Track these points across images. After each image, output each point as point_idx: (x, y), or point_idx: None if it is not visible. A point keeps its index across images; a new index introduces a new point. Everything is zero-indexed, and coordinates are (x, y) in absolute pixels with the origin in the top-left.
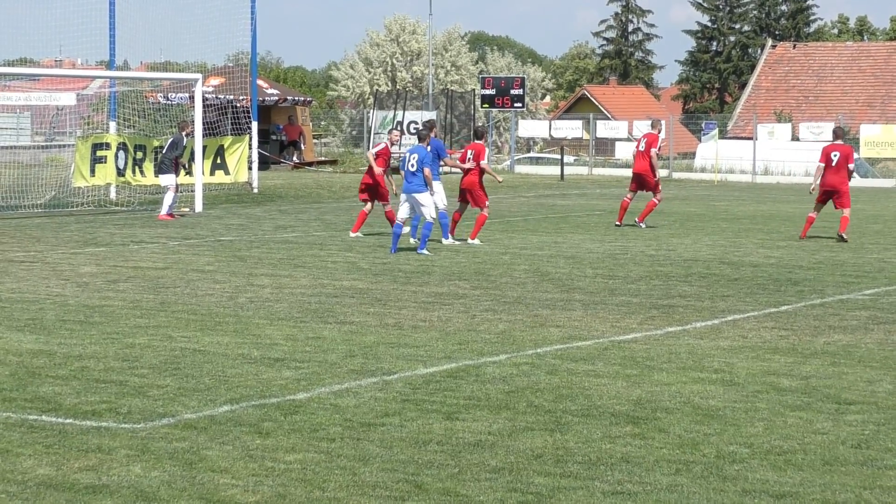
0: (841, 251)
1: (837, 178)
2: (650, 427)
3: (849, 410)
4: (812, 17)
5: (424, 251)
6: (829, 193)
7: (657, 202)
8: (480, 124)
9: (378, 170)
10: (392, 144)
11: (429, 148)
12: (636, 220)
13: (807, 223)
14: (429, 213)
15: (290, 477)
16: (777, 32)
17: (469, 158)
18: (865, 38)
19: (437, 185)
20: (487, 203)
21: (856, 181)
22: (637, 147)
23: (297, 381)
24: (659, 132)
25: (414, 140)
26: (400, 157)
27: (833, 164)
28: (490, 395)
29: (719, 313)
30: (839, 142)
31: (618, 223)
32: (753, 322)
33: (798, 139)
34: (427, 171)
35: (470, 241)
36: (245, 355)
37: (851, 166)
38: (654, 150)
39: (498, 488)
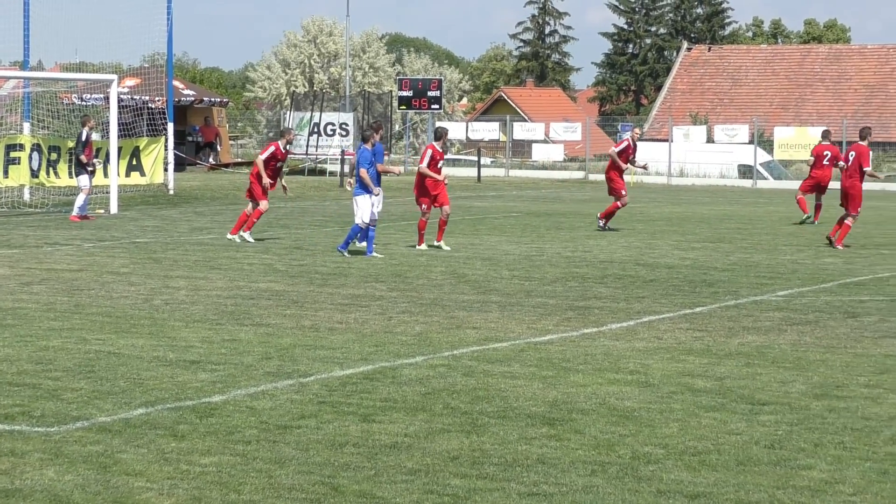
0: (755, 252)
1: (849, 181)
2: (566, 428)
3: (762, 411)
4: (727, 20)
5: (345, 252)
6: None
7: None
8: (438, 126)
9: (265, 177)
10: (289, 144)
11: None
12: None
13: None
14: (358, 216)
15: (206, 480)
16: (692, 35)
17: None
18: (780, 40)
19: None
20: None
21: (769, 183)
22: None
23: (212, 384)
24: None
25: (333, 141)
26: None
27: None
28: (406, 397)
29: (635, 315)
30: (863, 142)
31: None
32: (668, 323)
33: (713, 141)
34: (363, 172)
35: (436, 242)
36: (160, 358)
37: (867, 168)
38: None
39: (414, 490)
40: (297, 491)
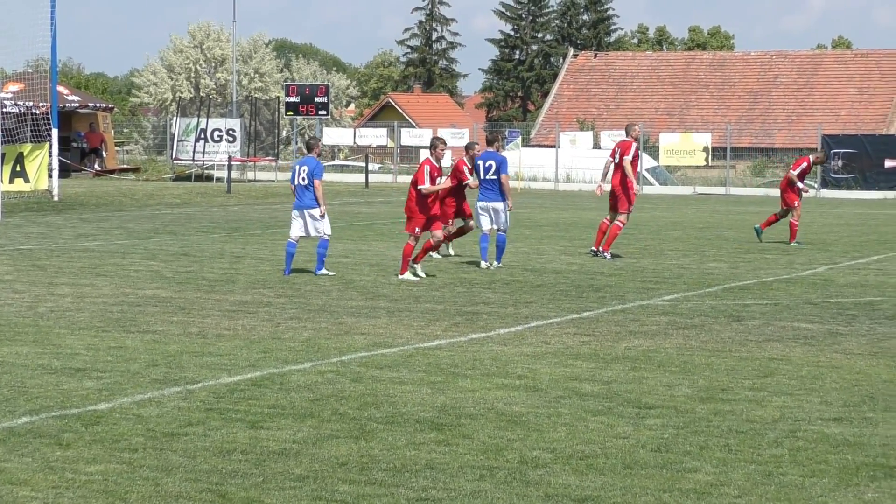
0: (641, 257)
1: (614, 179)
2: (454, 433)
3: (649, 415)
4: (613, 27)
5: (324, 270)
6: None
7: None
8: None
9: None
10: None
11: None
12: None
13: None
14: (324, 229)
15: (92, 489)
16: (579, 42)
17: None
18: (665, 47)
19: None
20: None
21: (655, 188)
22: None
23: (98, 392)
24: (635, 138)
25: (220, 147)
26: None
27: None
28: (295, 404)
29: (523, 319)
30: (627, 138)
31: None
32: (556, 328)
33: (599, 147)
34: (318, 182)
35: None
36: (45, 366)
37: (627, 158)
38: (626, 159)
39: (302, 497)
40: (184, 499)
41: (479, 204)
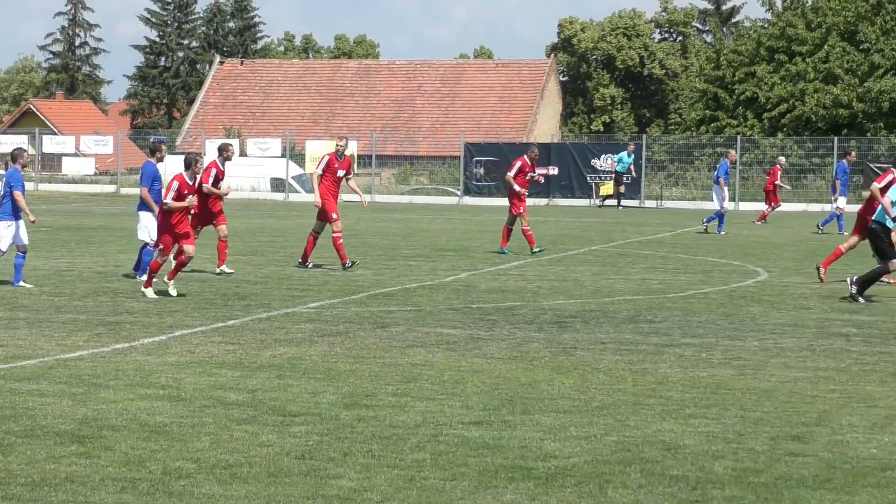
0: (287, 265)
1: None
2: (96, 445)
3: (294, 422)
4: (259, 35)
5: (21, 283)
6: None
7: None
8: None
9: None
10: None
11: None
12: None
13: None
14: (146, 235)
15: None
16: (225, 49)
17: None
18: (311, 55)
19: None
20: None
21: (300, 196)
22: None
23: None
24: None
25: None
26: None
27: None
28: None
29: (167, 329)
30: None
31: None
32: (201, 337)
33: (246, 154)
34: (17, 194)
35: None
36: None
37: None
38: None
39: None
40: None
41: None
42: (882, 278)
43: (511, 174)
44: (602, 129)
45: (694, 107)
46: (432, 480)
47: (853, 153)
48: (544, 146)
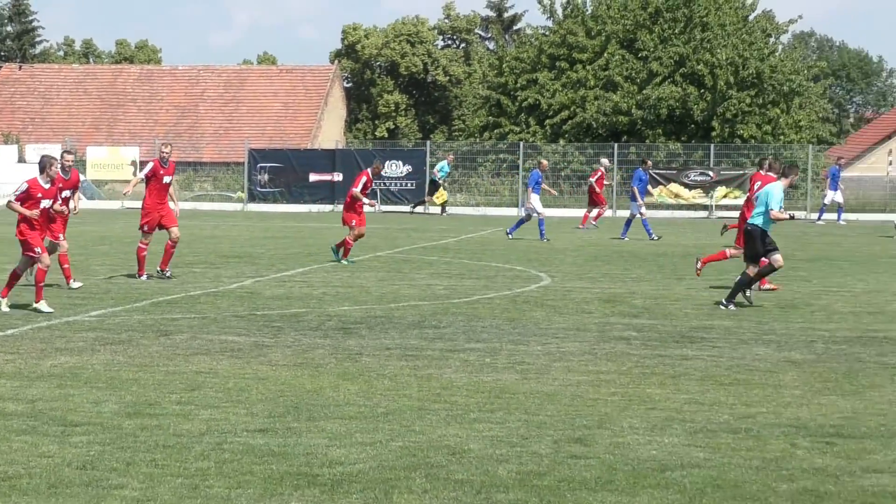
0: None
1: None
2: None
3: (75, 432)
4: (38, 39)
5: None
6: None
7: None
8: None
9: None
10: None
11: None
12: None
13: None
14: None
15: None
16: (3, 53)
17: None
18: (92, 60)
19: None
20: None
21: (82, 203)
22: None
23: None
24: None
25: None
26: None
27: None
28: None
29: None
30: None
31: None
32: None
33: (25, 161)
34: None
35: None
36: None
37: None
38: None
39: None
40: None
41: None
42: (765, 286)
43: (357, 189)
44: (387, 135)
45: (477, 113)
46: (217, 489)
47: (649, 162)
48: (329, 152)
